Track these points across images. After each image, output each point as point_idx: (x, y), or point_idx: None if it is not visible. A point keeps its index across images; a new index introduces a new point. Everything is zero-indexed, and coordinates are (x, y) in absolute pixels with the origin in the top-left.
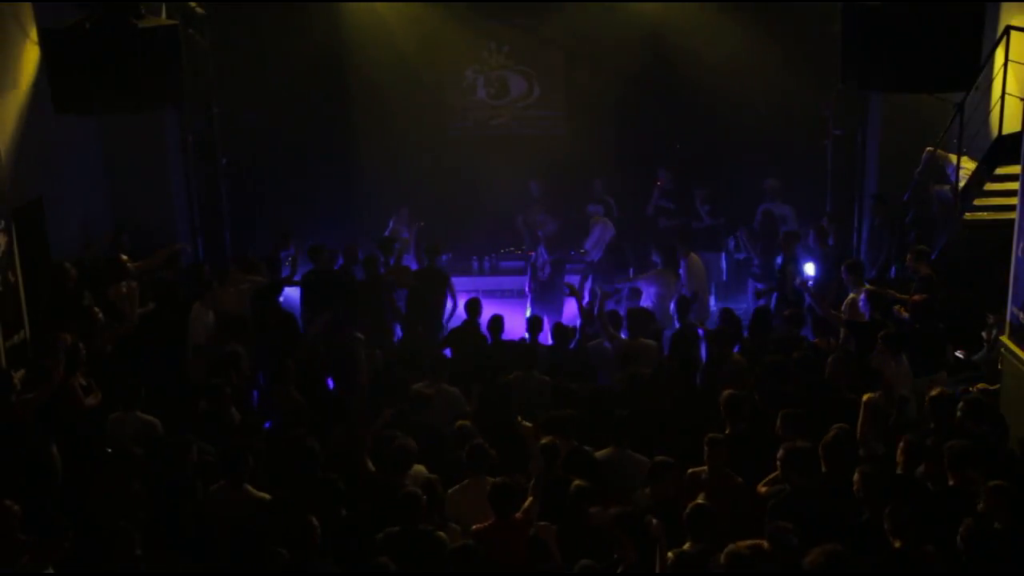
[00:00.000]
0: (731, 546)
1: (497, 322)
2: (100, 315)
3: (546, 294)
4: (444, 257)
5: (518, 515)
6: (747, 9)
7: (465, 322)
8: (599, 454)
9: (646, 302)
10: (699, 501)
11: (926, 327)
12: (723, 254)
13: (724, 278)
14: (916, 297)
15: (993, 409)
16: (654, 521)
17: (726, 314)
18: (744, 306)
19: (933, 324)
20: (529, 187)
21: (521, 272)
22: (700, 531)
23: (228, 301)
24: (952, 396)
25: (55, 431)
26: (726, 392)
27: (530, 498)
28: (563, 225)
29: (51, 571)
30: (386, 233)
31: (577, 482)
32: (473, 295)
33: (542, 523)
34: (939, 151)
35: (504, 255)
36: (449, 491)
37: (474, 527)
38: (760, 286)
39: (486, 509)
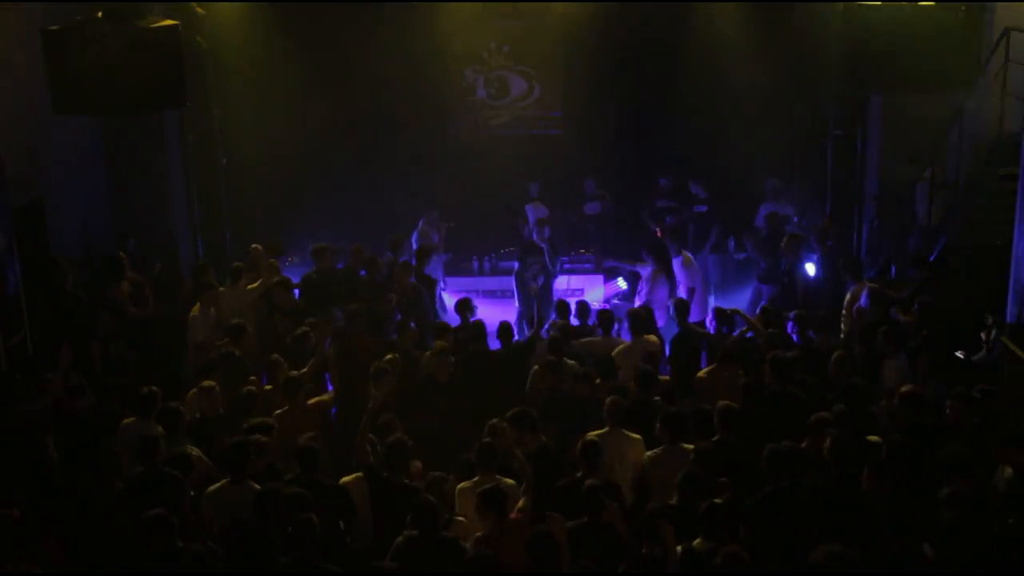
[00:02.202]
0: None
1: (506, 330)
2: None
3: (540, 302)
4: (444, 257)
5: (513, 516)
6: (747, 9)
7: (460, 325)
8: (650, 453)
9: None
10: (715, 500)
11: (932, 329)
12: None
13: (715, 280)
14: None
15: (992, 409)
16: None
17: (719, 314)
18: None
19: (939, 327)
20: (528, 188)
21: (495, 271)
22: (712, 529)
23: (232, 302)
24: (921, 395)
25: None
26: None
27: (522, 499)
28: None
29: (40, 571)
30: (415, 234)
31: (591, 481)
32: (473, 295)
33: (555, 514)
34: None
35: (504, 255)
36: (458, 487)
37: (476, 535)
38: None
39: None
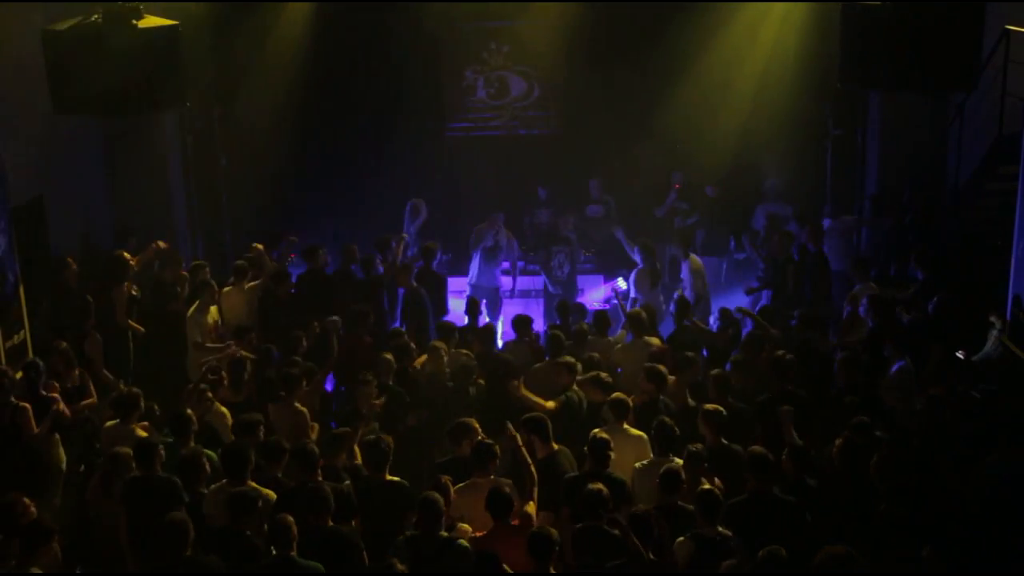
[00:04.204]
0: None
1: (524, 321)
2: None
3: (567, 292)
4: (444, 258)
5: (516, 521)
6: (746, 9)
7: (466, 325)
8: (638, 464)
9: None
10: (707, 486)
11: (943, 328)
12: (723, 260)
13: (723, 279)
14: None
15: (993, 409)
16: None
17: (725, 314)
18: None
19: (950, 325)
20: (537, 192)
21: (523, 272)
22: (711, 515)
23: (234, 301)
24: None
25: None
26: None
27: (531, 503)
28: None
29: (37, 571)
30: (472, 237)
31: (595, 486)
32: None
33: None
34: None
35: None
36: (455, 488)
37: (476, 534)
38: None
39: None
